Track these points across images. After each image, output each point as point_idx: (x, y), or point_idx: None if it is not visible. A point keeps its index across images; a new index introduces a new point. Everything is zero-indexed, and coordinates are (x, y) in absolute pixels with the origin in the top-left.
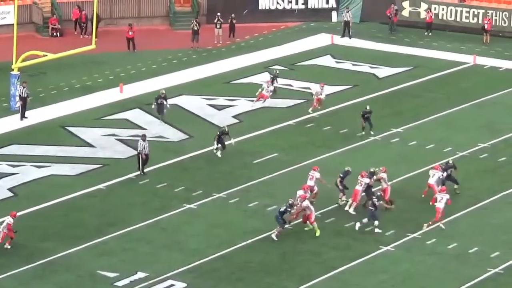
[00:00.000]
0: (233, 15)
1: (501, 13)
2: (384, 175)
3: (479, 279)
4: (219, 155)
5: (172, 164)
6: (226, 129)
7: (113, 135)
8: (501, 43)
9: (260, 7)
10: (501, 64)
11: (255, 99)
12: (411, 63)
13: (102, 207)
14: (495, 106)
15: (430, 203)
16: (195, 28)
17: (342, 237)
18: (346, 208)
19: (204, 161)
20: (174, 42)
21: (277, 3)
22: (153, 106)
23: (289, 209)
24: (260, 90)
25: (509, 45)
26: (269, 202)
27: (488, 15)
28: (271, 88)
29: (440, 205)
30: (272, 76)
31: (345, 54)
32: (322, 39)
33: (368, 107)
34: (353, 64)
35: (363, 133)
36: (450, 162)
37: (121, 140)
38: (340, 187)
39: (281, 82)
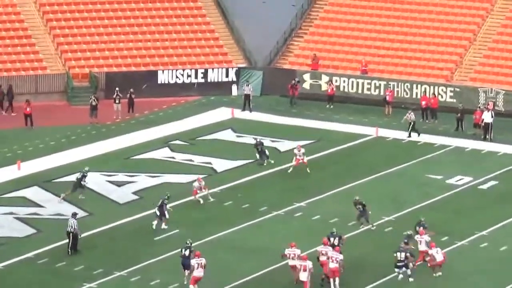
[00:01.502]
0: (132, 90)
1: (402, 84)
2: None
3: None
4: (154, 227)
5: None
6: (168, 195)
7: (11, 213)
8: (403, 114)
9: (159, 82)
10: (404, 135)
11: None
12: (313, 136)
13: None
14: (399, 178)
15: (428, 265)
16: (94, 103)
17: None
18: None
19: (105, 238)
20: (72, 117)
21: (176, 77)
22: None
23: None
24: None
25: None
26: (171, 279)
27: (390, 87)
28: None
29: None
30: (255, 144)
31: (246, 127)
32: (222, 113)
33: (357, 197)
34: (255, 138)
35: (362, 225)
36: (422, 219)
37: (18, 218)
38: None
39: (181, 157)
